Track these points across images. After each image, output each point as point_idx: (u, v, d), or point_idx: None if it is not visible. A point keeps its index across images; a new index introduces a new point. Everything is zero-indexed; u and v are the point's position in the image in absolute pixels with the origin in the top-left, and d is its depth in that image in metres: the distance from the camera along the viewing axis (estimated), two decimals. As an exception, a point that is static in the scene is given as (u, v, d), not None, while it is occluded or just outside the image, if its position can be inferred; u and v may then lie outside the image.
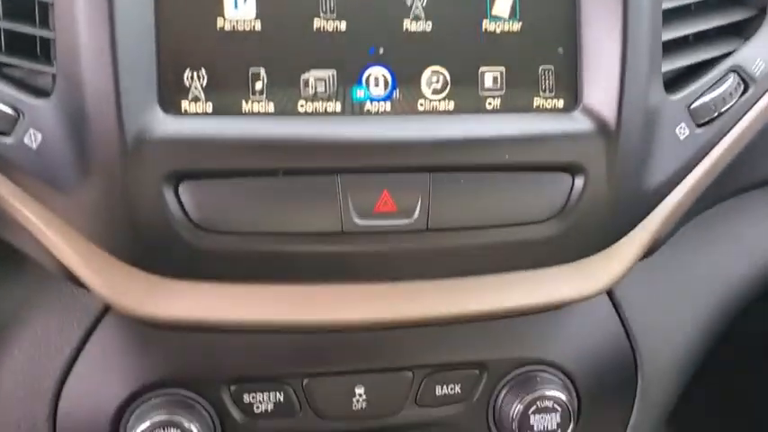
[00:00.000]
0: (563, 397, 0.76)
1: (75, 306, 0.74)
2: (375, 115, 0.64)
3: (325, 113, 0.63)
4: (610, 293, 0.82)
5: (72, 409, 0.74)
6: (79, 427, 0.74)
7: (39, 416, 0.74)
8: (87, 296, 0.74)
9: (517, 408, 0.76)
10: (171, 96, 0.60)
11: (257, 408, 0.74)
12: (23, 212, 0.64)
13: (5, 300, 0.75)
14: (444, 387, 0.77)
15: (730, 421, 1.47)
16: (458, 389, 0.77)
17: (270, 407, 0.74)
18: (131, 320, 0.73)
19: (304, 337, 0.74)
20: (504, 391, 0.78)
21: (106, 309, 0.74)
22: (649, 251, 0.76)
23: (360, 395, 0.76)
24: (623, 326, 0.83)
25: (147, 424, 0.70)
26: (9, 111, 0.59)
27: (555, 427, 0.77)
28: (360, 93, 0.64)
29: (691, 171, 0.72)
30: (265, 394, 0.74)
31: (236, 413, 0.74)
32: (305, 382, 0.74)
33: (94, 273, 0.65)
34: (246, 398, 0.74)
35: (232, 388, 0.74)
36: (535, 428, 0.77)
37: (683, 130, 0.70)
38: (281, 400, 0.74)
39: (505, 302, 0.70)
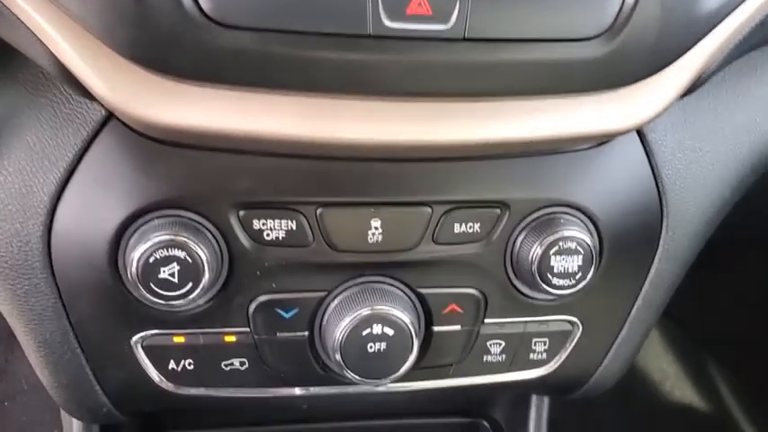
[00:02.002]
0: (586, 239, 0.73)
1: (72, 115, 0.68)
2: None
3: None
4: (642, 136, 0.77)
5: (68, 227, 0.69)
6: (75, 246, 0.69)
7: (32, 232, 0.69)
8: (86, 105, 0.68)
9: (537, 249, 0.73)
10: None
11: (267, 235, 0.70)
12: (18, 2, 0.57)
13: (-5, 108, 0.68)
14: (463, 225, 0.73)
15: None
16: (477, 227, 0.73)
17: (281, 235, 0.70)
18: (133, 134, 0.68)
19: (320, 163, 0.69)
20: (524, 233, 0.74)
21: (106, 119, 0.68)
22: (690, 89, 0.71)
23: (376, 228, 0.71)
24: (653, 171, 0.78)
25: (148, 244, 0.66)
26: None
27: (576, 269, 0.73)
28: None
29: (743, 2, 0.66)
30: (276, 221, 0.70)
31: (244, 239, 0.70)
32: (319, 211, 0.70)
33: (96, 73, 0.59)
34: (256, 224, 0.70)
35: (241, 213, 0.69)
36: (555, 270, 0.73)
37: None
38: (293, 228, 0.70)
39: (539, 130, 0.65)
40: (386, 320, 0.71)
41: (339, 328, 0.72)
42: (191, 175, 0.68)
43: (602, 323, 0.82)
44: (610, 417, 1.77)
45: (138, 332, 0.73)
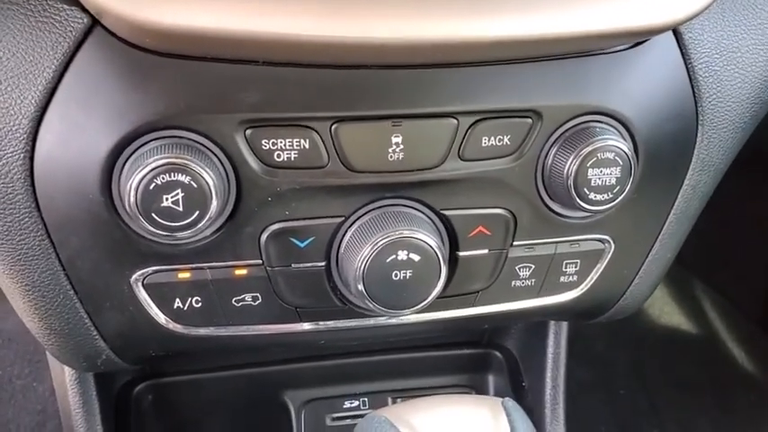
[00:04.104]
0: (624, 148, 0.67)
1: (48, 25, 0.59)
2: None
3: None
4: (678, 35, 0.71)
5: (52, 153, 0.61)
6: (62, 174, 0.61)
7: (11, 161, 0.61)
8: (65, 11, 0.59)
9: (573, 162, 0.67)
10: None
11: (278, 156, 0.63)
12: None
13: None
14: (492, 138, 0.66)
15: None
16: (506, 140, 0.67)
17: (293, 155, 0.63)
18: (122, 44, 0.59)
19: (334, 72, 0.61)
20: (557, 145, 0.68)
21: (89, 28, 0.59)
22: None
23: (396, 144, 0.64)
24: (688, 74, 0.72)
25: (147, 169, 0.58)
26: None
27: (614, 182, 0.68)
28: None
29: None
30: (288, 140, 0.62)
31: (252, 161, 0.62)
32: (334, 127, 0.62)
33: None
34: (265, 144, 0.62)
35: (248, 131, 0.61)
36: (592, 184, 0.67)
37: None
38: (306, 147, 0.63)
39: (577, 23, 0.58)
40: (411, 246, 0.65)
41: (360, 255, 0.65)
42: (190, 89, 0.60)
43: (634, 240, 0.77)
44: (599, 343, 1.76)
45: (138, 269, 0.66)
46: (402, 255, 0.65)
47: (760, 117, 0.79)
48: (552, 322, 0.96)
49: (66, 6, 0.59)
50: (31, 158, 0.61)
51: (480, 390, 1.03)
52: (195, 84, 0.60)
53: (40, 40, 0.59)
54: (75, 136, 0.60)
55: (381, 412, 0.62)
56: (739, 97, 0.75)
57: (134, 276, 0.66)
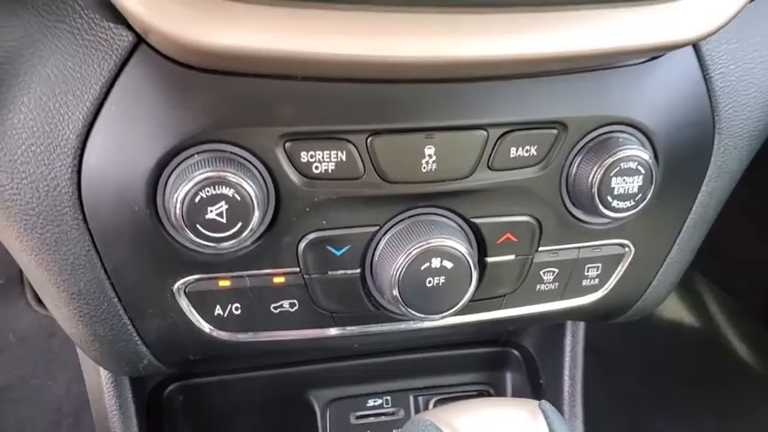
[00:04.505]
0: (646, 158, 0.69)
1: (95, 42, 0.61)
2: None
3: None
4: (696, 47, 0.73)
5: (99, 167, 0.63)
6: (108, 187, 0.63)
7: (60, 175, 0.63)
8: (111, 30, 0.61)
9: (597, 171, 0.69)
10: None
11: (316, 168, 0.65)
12: None
13: (6, 38, 0.61)
14: (520, 149, 0.69)
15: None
16: (533, 151, 0.69)
17: (330, 167, 0.65)
18: (166, 62, 0.61)
19: (370, 87, 0.64)
20: (581, 155, 0.71)
21: (135, 46, 0.61)
22: None
23: (429, 156, 0.67)
24: (706, 84, 0.75)
25: (193, 182, 0.60)
26: None
27: (636, 190, 0.70)
28: None
29: None
30: (326, 153, 0.65)
31: (291, 173, 0.65)
32: (370, 139, 0.65)
33: None
34: (304, 156, 0.64)
35: (287, 144, 0.64)
36: (615, 192, 0.70)
37: None
38: (343, 159, 0.65)
39: (605, 41, 0.61)
40: (444, 253, 0.68)
41: (396, 263, 0.68)
42: (232, 104, 0.63)
43: (653, 244, 0.80)
44: (604, 338, 1.79)
45: (181, 278, 0.68)
46: (435, 262, 0.68)
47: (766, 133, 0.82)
48: (570, 321, 0.98)
49: (111, 25, 0.61)
50: (79, 172, 0.63)
51: (498, 387, 1.06)
52: (237, 99, 0.62)
53: (87, 58, 0.61)
54: (122, 150, 0.63)
55: (425, 416, 0.65)
56: (754, 106, 0.78)
57: (176, 285, 0.68)
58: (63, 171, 0.63)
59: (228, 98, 0.62)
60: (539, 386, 1.02)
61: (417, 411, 1.02)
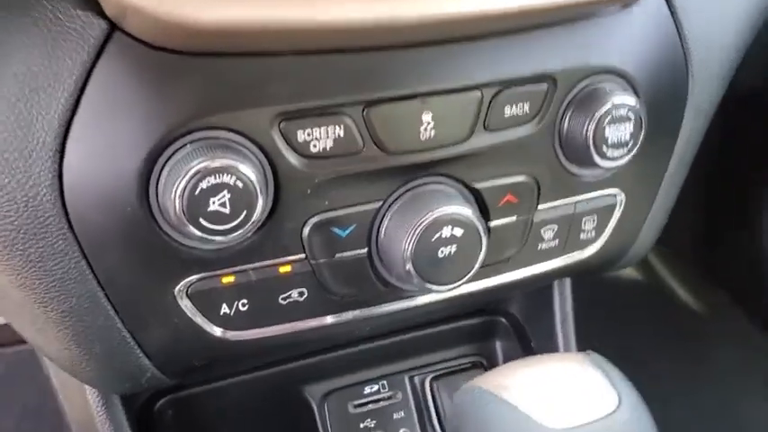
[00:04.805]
0: (634, 103, 0.70)
1: (64, 33, 0.56)
2: None
3: None
4: None
5: (82, 169, 0.58)
6: (95, 190, 0.58)
7: (39, 182, 0.57)
8: (80, 17, 0.56)
9: (590, 122, 0.69)
10: None
11: (314, 146, 0.62)
12: None
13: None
14: (513, 107, 0.68)
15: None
16: (526, 108, 0.68)
17: (329, 144, 0.62)
18: (145, 47, 0.57)
19: (361, 56, 0.61)
20: (571, 108, 0.70)
21: (109, 33, 0.56)
22: None
23: (427, 122, 0.65)
24: (677, 28, 0.76)
25: (190, 174, 0.56)
26: None
27: (628, 137, 0.71)
28: None
29: None
30: (322, 129, 0.61)
31: (289, 155, 0.61)
32: (366, 111, 0.62)
33: None
34: (301, 135, 0.61)
35: (282, 125, 0.60)
36: (610, 141, 0.70)
37: None
38: (341, 134, 0.62)
39: None
40: (454, 221, 0.66)
41: (406, 237, 0.65)
42: (220, 87, 0.58)
43: (641, 190, 0.81)
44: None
45: (182, 279, 0.63)
46: (446, 231, 0.66)
47: (736, 64, 0.84)
48: (556, 282, 0.99)
49: (81, 13, 0.56)
50: (60, 177, 0.58)
51: (490, 357, 1.05)
52: (225, 81, 0.58)
53: (56, 51, 0.56)
54: (106, 148, 0.58)
55: (474, 383, 0.63)
56: (722, 48, 0.80)
57: (178, 287, 0.64)
58: (42, 177, 0.57)
59: (216, 81, 0.58)
60: (530, 349, 1.02)
61: (414, 392, 1.00)
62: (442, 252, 0.66)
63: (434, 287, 0.67)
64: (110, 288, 0.62)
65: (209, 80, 0.58)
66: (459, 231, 0.66)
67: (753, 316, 1.71)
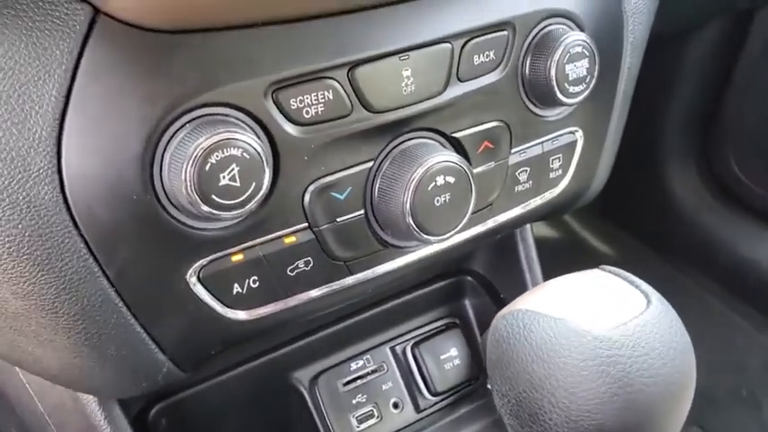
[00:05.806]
0: (587, 40, 0.75)
1: (47, 22, 0.54)
2: None
3: None
4: None
5: (82, 161, 0.56)
6: (98, 182, 0.56)
7: (39, 180, 0.55)
8: (62, 4, 0.55)
9: (550, 62, 0.74)
10: None
11: (307, 113, 0.63)
12: None
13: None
14: (481, 56, 0.71)
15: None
16: (492, 55, 0.72)
17: (320, 109, 0.63)
18: (132, 29, 0.56)
19: (339, 20, 0.63)
20: (531, 51, 0.75)
21: (93, 18, 0.55)
22: None
23: (407, 78, 0.67)
24: None
25: (197, 153, 0.55)
26: None
27: (585, 72, 0.76)
28: None
29: None
30: (313, 95, 0.62)
31: (285, 124, 0.62)
32: (351, 72, 0.64)
33: None
34: (293, 103, 0.62)
35: (274, 95, 0.61)
36: (570, 78, 0.75)
37: None
38: (331, 98, 0.63)
39: None
40: (445, 169, 0.68)
41: (402, 191, 0.67)
42: (211, 63, 0.58)
43: (595, 126, 0.86)
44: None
45: (192, 264, 0.62)
46: (440, 180, 0.68)
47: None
48: (518, 231, 1.03)
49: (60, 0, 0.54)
50: (60, 171, 0.56)
51: (461, 316, 1.08)
52: (214, 56, 0.58)
53: (42, 41, 0.54)
54: (104, 138, 0.56)
55: (513, 308, 0.65)
56: None
57: (189, 272, 0.62)
58: (41, 174, 0.55)
59: (206, 57, 0.58)
60: (500, 301, 1.06)
61: (398, 361, 1.01)
62: (437, 201, 0.68)
63: (432, 238, 0.70)
64: (120, 283, 0.60)
65: (200, 57, 0.58)
66: (451, 178, 0.69)
67: (666, 260, 1.82)
